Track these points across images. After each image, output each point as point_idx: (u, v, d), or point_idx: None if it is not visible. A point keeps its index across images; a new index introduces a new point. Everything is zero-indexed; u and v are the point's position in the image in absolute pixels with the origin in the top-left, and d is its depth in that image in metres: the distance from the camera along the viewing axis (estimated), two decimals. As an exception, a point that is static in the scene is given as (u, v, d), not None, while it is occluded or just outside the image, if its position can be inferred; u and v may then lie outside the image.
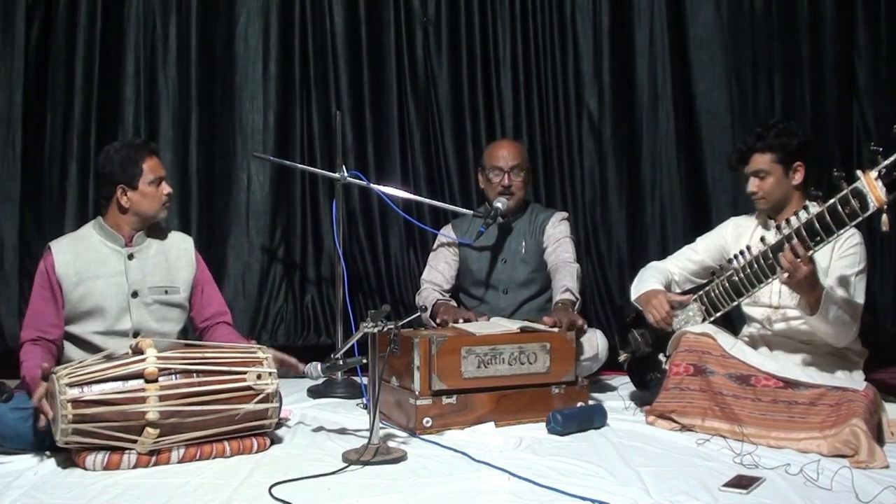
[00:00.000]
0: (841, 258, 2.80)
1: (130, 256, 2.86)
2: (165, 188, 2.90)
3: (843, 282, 2.76)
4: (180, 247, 3.00)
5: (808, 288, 2.60)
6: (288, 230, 4.12)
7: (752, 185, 2.90)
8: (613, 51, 4.06)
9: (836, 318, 2.66)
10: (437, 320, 3.34)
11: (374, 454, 2.46)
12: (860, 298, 2.78)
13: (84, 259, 2.82)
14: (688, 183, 4.01)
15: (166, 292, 2.90)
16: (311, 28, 4.06)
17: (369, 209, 4.08)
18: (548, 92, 4.06)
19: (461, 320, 3.24)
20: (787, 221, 2.63)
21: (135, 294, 2.84)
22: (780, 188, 2.87)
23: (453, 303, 3.58)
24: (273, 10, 4.05)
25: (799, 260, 2.53)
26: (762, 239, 2.76)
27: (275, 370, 2.65)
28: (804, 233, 2.56)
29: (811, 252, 2.58)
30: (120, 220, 2.87)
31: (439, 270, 3.64)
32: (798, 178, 2.87)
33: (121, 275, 2.83)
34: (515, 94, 4.06)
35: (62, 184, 3.83)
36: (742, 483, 2.19)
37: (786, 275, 2.57)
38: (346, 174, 3.57)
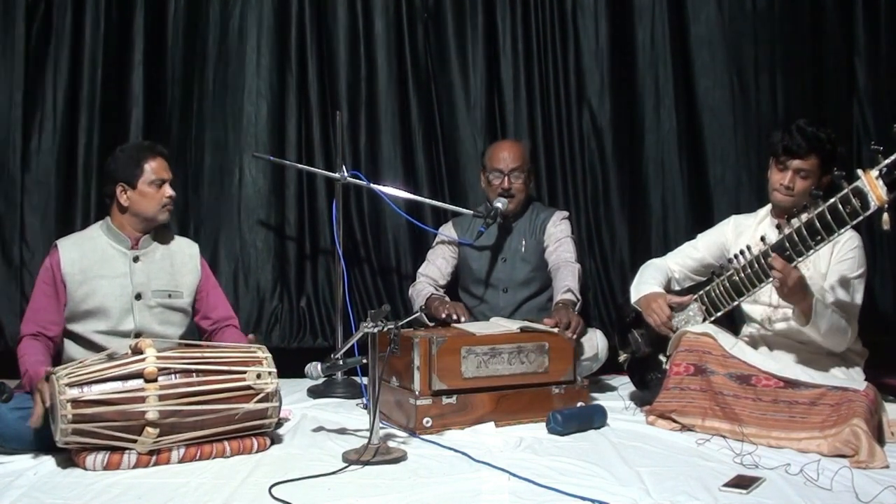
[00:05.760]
0: (840, 262, 2.79)
1: (136, 259, 2.87)
2: (167, 191, 2.89)
3: (842, 285, 2.76)
4: (185, 252, 3.01)
5: (801, 296, 2.62)
6: (283, 227, 4.00)
7: (789, 179, 2.81)
8: (615, 48, 4.04)
9: (832, 324, 2.67)
10: (443, 314, 3.29)
11: (374, 454, 2.46)
12: (857, 301, 2.78)
13: (90, 259, 2.83)
14: (689, 182, 4.00)
15: (170, 296, 2.91)
16: (309, 20, 3.99)
17: (367, 208, 4.02)
18: (549, 89, 4.04)
19: (455, 316, 3.25)
20: (789, 221, 2.62)
21: (138, 296, 2.84)
22: (808, 193, 2.74)
23: (447, 298, 3.55)
24: (268, 1, 3.98)
25: (788, 267, 2.56)
26: (762, 238, 2.75)
27: (275, 370, 2.64)
28: (805, 232, 2.56)
29: (811, 252, 2.58)
30: (123, 220, 2.89)
31: (436, 265, 3.64)
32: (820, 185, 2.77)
33: (125, 276, 2.84)
34: (516, 92, 4.03)
35: (63, 183, 3.80)
36: (742, 483, 2.19)
37: (777, 283, 2.60)
38: (346, 174, 3.57)
